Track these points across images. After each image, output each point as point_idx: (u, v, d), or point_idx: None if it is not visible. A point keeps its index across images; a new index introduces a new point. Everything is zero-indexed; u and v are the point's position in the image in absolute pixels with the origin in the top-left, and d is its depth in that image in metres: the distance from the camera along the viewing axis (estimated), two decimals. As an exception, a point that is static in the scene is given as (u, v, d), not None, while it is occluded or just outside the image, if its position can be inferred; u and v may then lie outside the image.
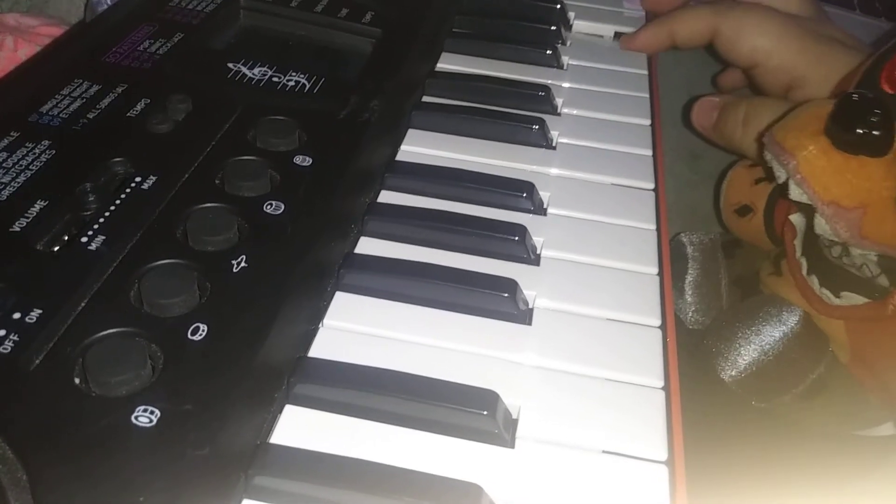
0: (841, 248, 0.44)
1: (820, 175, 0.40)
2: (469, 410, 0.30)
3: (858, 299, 0.44)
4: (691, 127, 0.55)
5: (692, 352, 0.52)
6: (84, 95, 0.40)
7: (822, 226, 0.41)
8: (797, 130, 0.41)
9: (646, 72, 0.55)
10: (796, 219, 0.48)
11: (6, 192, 0.34)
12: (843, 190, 0.39)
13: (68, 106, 0.39)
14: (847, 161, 0.39)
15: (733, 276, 0.56)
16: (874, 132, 0.39)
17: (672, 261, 0.55)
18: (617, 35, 0.59)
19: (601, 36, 0.59)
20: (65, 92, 0.40)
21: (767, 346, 0.49)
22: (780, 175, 0.42)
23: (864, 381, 0.46)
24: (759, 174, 0.53)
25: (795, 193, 0.41)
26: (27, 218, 0.33)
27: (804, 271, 0.47)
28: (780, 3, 0.54)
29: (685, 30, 0.55)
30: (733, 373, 0.50)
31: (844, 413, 0.48)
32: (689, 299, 0.55)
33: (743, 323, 0.50)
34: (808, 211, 0.44)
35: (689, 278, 0.55)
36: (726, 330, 0.51)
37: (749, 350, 0.49)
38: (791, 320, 0.49)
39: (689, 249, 0.56)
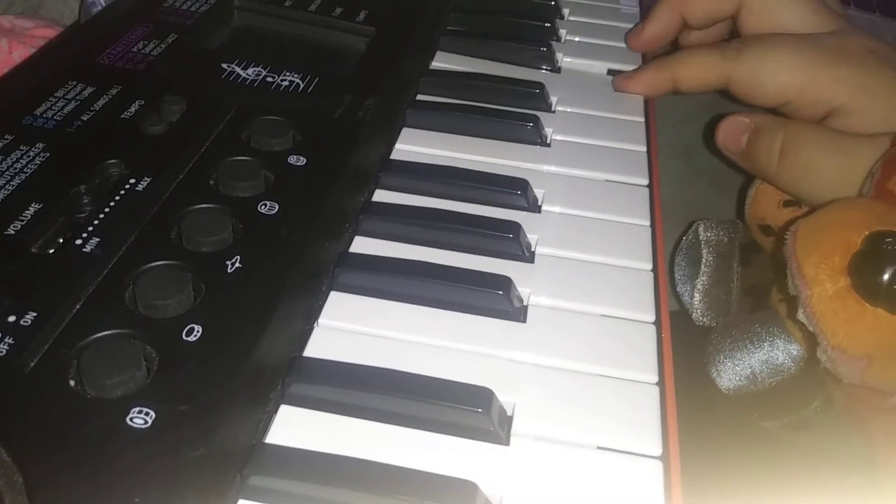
0: None
1: (831, 319, 0.37)
2: (464, 408, 0.30)
3: None
4: (688, 125, 0.52)
5: (696, 349, 0.52)
6: (78, 97, 0.40)
7: (823, 358, 0.39)
8: (819, 258, 0.38)
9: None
10: None
11: (0, 195, 0.34)
12: (851, 340, 0.37)
13: (62, 108, 0.39)
14: (863, 312, 0.36)
15: (747, 284, 0.55)
16: None
17: (687, 261, 0.55)
18: (611, 72, 0.55)
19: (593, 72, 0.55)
20: (59, 94, 0.40)
21: (760, 378, 0.49)
22: (793, 291, 0.39)
23: (854, 427, 0.46)
24: (788, 196, 0.49)
25: (803, 319, 0.39)
26: (22, 221, 0.33)
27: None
28: (797, 22, 0.47)
29: (690, 79, 0.49)
30: (725, 387, 0.50)
31: (828, 449, 0.48)
32: (697, 304, 0.54)
33: (742, 342, 0.50)
34: None
35: (699, 285, 0.54)
36: (726, 344, 0.50)
37: (742, 374, 0.49)
38: (789, 356, 0.49)
39: (705, 252, 0.54)
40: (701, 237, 0.54)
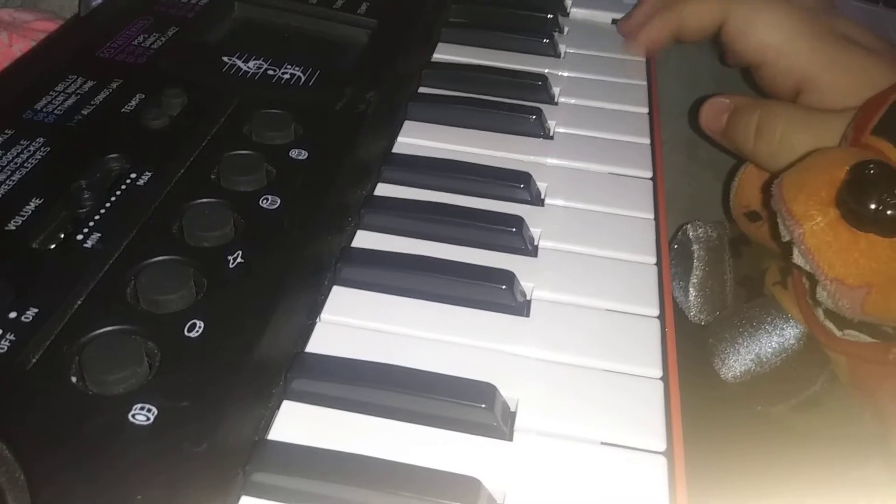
0: None
1: (826, 250, 0.38)
2: (467, 404, 0.30)
3: (862, 338, 0.43)
4: (697, 123, 0.52)
5: (696, 344, 0.52)
6: (79, 91, 0.40)
7: (823, 296, 0.39)
8: (807, 196, 0.38)
9: (644, 59, 0.54)
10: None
11: (1, 191, 0.34)
12: (848, 269, 0.37)
13: (63, 102, 0.39)
14: (856, 239, 0.37)
15: (740, 276, 0.55)
16: (888, 211, 0.36)
17: (678, 259, 0.55)
18: (615, 21, 0.57)
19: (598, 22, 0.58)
20: (59, 88, 0.40)
21: (765, 358, 0.49)
22: (786, 235, 0.40)
23: (861, 402, 0.46)
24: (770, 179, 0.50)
25: (799, 260, 0.39)
26: (22, 216, 0.33)
27: (809, 299, 0.46)
28: None
29: (694, 19, 0.51)
30: (730, 376, 0.50)
31: (838, 430, 0.48)
32: (693, 299, 0.54)
33: (744, 328, 0.50)
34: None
35: (693, 279, 0.54)
36: (727, 332, 0.50)
37: (747, 358, 0.49)
38: (791, 335, 0.49)
39: (696, 248, 0.54)
40: (690, 235, 0.54)
